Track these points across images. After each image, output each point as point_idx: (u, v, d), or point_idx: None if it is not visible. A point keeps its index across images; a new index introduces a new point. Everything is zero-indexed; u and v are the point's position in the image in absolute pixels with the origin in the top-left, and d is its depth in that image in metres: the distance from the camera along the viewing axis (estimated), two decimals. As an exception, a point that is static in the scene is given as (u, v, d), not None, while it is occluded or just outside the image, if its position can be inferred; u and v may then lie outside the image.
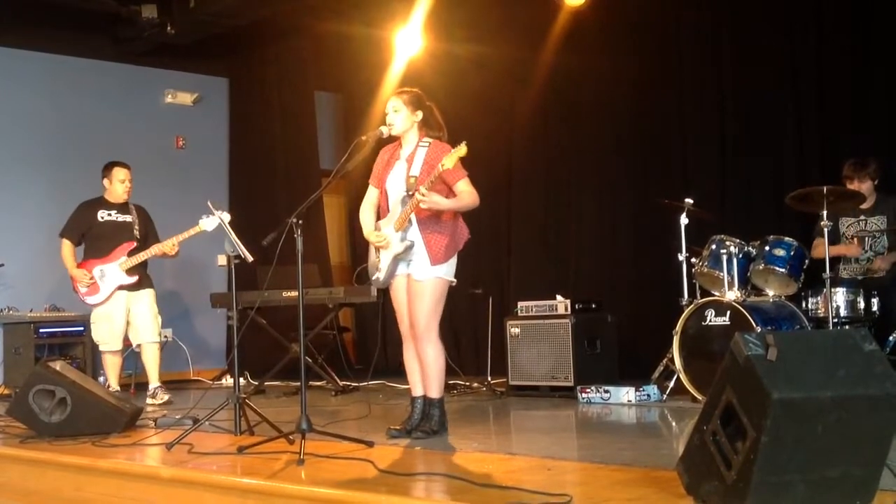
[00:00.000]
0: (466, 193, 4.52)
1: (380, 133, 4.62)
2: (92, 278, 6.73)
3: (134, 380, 7.75)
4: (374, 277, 4.71)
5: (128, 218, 6.92)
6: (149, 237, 6.95)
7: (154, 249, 6.71)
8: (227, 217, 6.04)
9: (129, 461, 4.27)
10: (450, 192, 4.52)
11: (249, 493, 3.54)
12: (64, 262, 6.89)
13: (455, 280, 4.63)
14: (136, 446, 4.59)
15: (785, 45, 7.00)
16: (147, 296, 6.87)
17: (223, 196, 9.77)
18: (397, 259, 4.56)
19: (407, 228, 4.52)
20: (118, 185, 6.92)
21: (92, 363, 8.20)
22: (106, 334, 6.79)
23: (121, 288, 6.76)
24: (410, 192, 4.45)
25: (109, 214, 6.91)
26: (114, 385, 6.79)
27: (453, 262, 4.60)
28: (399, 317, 4.70)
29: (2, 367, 8.20)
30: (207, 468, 3.91)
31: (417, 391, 4.70)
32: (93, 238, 6.89)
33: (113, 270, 6.75)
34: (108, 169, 6.99)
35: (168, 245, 6.66)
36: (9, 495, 4.60)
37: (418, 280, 4.54)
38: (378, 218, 4.71)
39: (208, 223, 6.25)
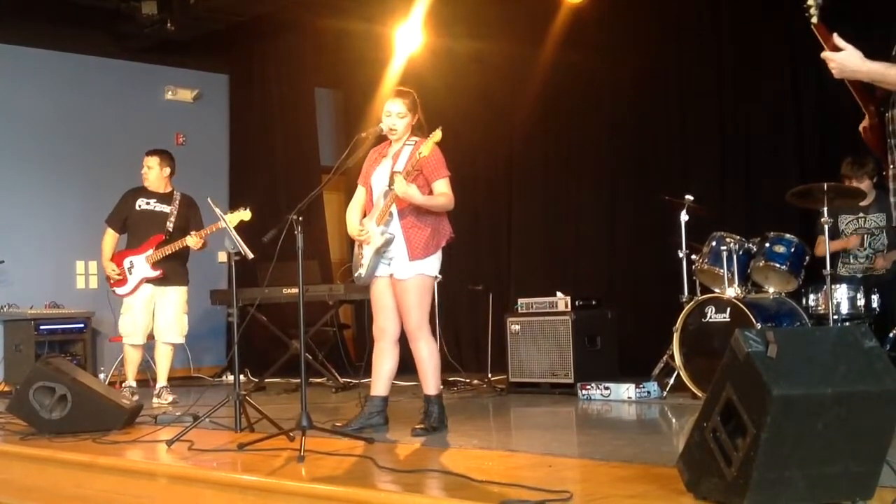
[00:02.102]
0: (442, 195, 4.55)
1: (380, 129, 4.64)
2: (121, 273, 6.59)
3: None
4: (356, 274, 4.71)
5: (166, 208, 6.71)
6: (189, 229, 6.65)
7: (177, 243, 6.53)
8: (247, 215, 6.15)
9: (129, 458, 4.27)
10: (428, 190, 4.54)
11: (249, 489, 3.53)
12: (101, 250, 6.74)
13: (440, 276, 4.65)
14: (137, 443, 4.58)
15: (785, 45, 6.98)
16: (174, 293, 6.68)
17: (223, 193, 9.77)
18: (378, 253, 4.56)
19: (388, 222, 4.54)
20: (144, 172, 6.78)
21: (92, 360, 8.21)
22: (128, 326, 6.64)
23: (147, 281, 6.60)
24: (391, 185, 4.47)
25: (147, 203, 6.73)
26: (130, 380, 6.66)
27: (436, 257, 4.62)
28: (374, 316, 4.70)
29: (2, 364, 8.21)
30: (208, 465, 3.90)
31: (377, 390, 4.71)
32: (130, 226, 6.74)
33: (140, 262, 6.59)
34: None
35: (190, 239, 6.46)
36: (9, 492, 4.60)
37: (401, 279, 4.56)
38: (364, 216, 4.73)
39: (233, 218, 6.09)
